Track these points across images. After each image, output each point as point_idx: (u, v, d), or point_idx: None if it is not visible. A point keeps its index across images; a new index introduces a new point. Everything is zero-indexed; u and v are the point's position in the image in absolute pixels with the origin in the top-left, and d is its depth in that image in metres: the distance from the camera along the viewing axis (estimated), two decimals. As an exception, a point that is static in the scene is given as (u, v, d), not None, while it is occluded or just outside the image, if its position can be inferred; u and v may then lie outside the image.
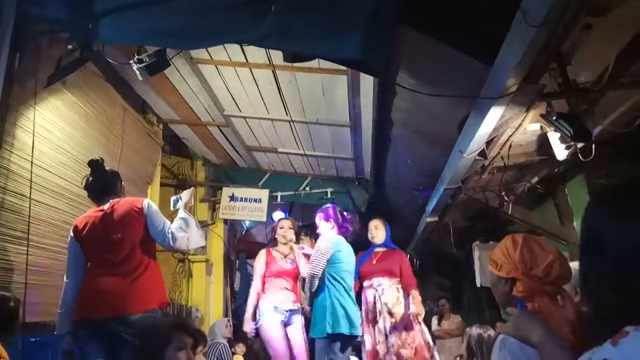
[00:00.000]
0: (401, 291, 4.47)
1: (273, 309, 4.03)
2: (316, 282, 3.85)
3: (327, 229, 4.07)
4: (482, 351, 3.03)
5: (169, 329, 2.08)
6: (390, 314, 4.33)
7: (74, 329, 2.75)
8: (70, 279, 2.86)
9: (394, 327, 4.28)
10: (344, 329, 3.70)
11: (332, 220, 4.06)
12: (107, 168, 3.10)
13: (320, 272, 3.82)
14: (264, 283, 4.18)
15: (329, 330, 3.66)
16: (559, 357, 1.30)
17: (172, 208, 3.08)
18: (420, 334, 4.32)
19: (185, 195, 3.09)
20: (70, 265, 2.89)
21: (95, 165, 3.03)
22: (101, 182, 3.00)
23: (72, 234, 2.92)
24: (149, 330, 2.14)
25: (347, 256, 4.00)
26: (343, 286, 3.86)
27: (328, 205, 4.42)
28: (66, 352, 2.78)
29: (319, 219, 4.14)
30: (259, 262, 4.26)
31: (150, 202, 2.91)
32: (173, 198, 3.10)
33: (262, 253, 4.35)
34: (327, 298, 3.78)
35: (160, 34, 3.12)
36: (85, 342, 2.70)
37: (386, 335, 4.28)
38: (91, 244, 2.85)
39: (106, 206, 2.92)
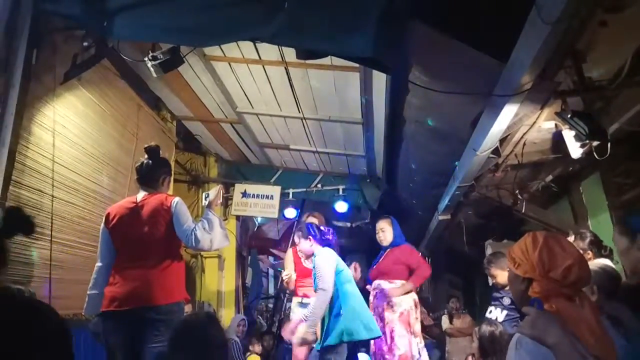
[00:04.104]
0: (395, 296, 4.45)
1: (299, 305, 4.33)
2: (326, 303, 3.82)
3: (307, 246, 4.10)
4: (496, 350, 3.00)
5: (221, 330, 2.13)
6: (380, 317, 4.36)
7: (100, 319, 2.82)
8: (102, 263, 2.94)
9: (383, 332, 4.27)
10: (362, 334, 3.72)
11: (311, 237, 4.09)
12: (160, 159, 3.14)
13: (331, 287, 3.80)
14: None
15: (346, 338, 3.65)
16: None
17: (203, 204, 3.12)
18: (408, 344, 4.29)
19: (212, 193, 3.11)
20: (101, 250, 2.97)
21: (148, 152, 3.10)
22: (145, 170, 3.05)
23: (103, 221, 2.99)
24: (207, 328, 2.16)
25: (343, 264, 4.00)
26: (351, 293, 3.86)
27: (307, 221, 4.47)
28: (94, 334, 2.83)
29: (297, 238, 4.16)
30: (288, 262, 4.63)
31: (179, 202, 2.94)
32: (204, 194, 3.14)
33: (289, 253, 4.70)
34: (341, 307, 3.74)
35: (174, 32, 3.14)
36: (110, 334, 2.75)
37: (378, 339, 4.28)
38: (118, 234, 2.92)
39: (139, 198, 2.97)
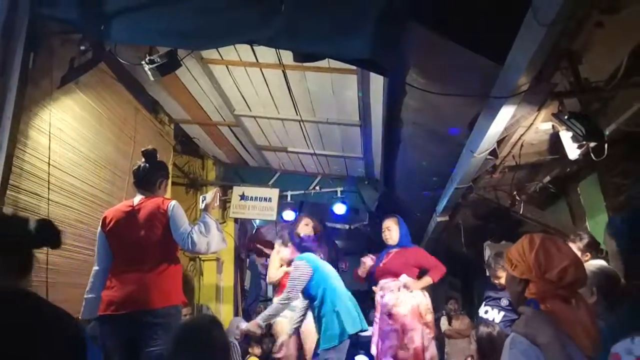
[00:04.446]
0: (402, 292, 4.43)
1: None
2: (285, 307, 3.93)
3: (287, 254, 4.10)
4: (494, 350, 3.01)
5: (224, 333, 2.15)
6: (389, 315, 4.35)
7: (98, 323, 2.82)
8: (99, 266, 2.94)
9: (393, 330, 4.29)
10: (356, 329, 3.74)
11: (290, 244, 4.09)
12: (157, 162, 3.15)
13: (296, 296, 3.88)
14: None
15: (351, 331, 3.69)
16: None
17: (200, 207, 3.13)
18: (420, 335, 4.28)
19: (209, 196, 3.11)
20: (98, 254, 2.98)
21: (145, 155, 3.12)
22: (142, 174, 3.06)
23: (100, 224, 3.00)
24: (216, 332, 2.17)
25: (326, 266, 4.03)
26: (341, 291, 3.89)
27: (285, 230, 4.52)
28: (92, 338, 2.83)
29: (277, 245, 4.17)
30: (275, 259, 4.64)
31: (176, 205, 2.94)
32: (201, 197, 3.15)
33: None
34: (334, 305, 3.77)
35: (172, 35, 3.14)
36: (108, 338, 2.75)
37: (384, 338, 4.30)
38: (115, 238, 2.92)
39: (136, 201, 2.97)
